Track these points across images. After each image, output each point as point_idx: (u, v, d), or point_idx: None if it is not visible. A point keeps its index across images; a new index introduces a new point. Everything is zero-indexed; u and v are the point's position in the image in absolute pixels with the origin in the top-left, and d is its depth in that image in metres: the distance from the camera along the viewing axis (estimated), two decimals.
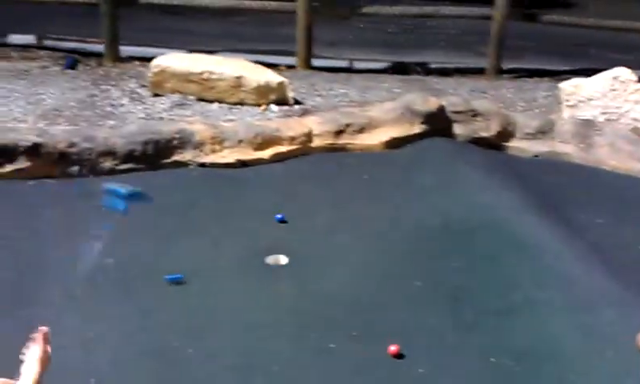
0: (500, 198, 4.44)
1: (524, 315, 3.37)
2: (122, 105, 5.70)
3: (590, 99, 5.58)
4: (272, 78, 6.00)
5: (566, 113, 5.69)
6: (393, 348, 3.11)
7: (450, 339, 3.24)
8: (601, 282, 3.65)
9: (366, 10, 7.57)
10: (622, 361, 3.06)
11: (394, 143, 5.23)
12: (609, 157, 5.21)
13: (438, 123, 5.30)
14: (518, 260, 3.75)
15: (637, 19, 7.71)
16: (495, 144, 5.37)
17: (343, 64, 7.47)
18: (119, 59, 6.87)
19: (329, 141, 5.22)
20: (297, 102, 5.99)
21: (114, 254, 3.68)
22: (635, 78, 5.61)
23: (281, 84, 5.95)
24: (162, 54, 6.25)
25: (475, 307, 3.45)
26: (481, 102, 5.82)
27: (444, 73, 7.28)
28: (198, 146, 4.83)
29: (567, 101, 5.70)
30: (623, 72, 5.60)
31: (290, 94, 6.00)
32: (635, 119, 5.51)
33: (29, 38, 7.37)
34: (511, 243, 3.92)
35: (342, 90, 6.46)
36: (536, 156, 5.33)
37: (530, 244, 3.90)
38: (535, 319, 3.36)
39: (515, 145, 5.40)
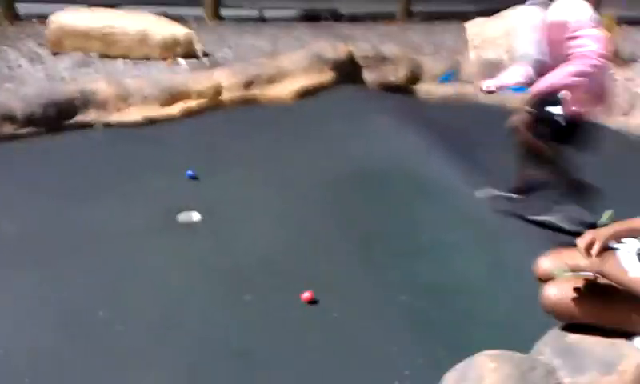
0: (409, 143, 4.52)
1: (433, 255, 3.48)
2: (20, 66, 5.43)
3: (495, 39, 5.70)
4: (178, 30, 5.84)
5: (472, 54, 5.80)
6: (306, 295, 3.15)
7: (362, 283, 3.30)
8: (505, 218, 3.80)
9: None
10: (525, 289, 3.20)
11: (305, 92, 5.22)
12: (513, 96, 5.35)
13: (347, 70, 5.31)
14: (426, 203, 3.85)
15: None
16: (404, 88, 5.43)
17: (253, 14, 7.34)
18: (16, 17, 6.53)
19: (239, 93, 5.16)
20: (205, 55, 5.86)
21: (16, 221, 3.55)
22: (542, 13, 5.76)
23: (187, 36, 5.81)
24: (61, 10, 5.97)
25: (386, 250, 3.52)
26: (389, 47, 5.85)
27: (354, 19, 7.27)
28: (102, 105, 4.68)
29: (472, 41, 5.80)
30: (531, 10, 5.72)
31: (198, 47, 5.87)
32: None
33: None
34: (420, 187, 4.02)
35: (252, 41, 6.36)
36: (443, 98, 5.43)
37: (439, 186, 4.00)
38: (444, 258, 3.47)
39: (424, 88, 5.48)
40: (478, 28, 5.80)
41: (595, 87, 3.35)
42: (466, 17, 7.04)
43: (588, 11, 3.24)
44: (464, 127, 4.97)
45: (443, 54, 6.12)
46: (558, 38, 3.26)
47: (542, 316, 2.52)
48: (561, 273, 2.52)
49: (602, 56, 3.17)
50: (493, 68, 5.56)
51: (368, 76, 5.39)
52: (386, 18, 7.29)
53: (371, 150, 4.43)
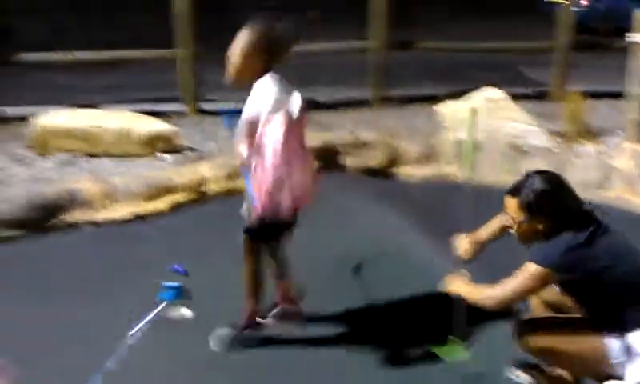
0: (390, 225, 4.62)
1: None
2: (4, 168, 5.49)
3: (465, 120, 5.89)
4: (160, 126, 5.98)
5: (446, 135, 5.99)
6: None
7: (345, 363, 3.33)
8: None
9: None
10: None
11: None
12: (489, 172, 5.52)
13: (326, 157, 5.45)
14: (405, 282, 3.92)
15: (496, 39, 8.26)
16: (383, 172, 5.58)
17: (232, 107, 7.52)
18: (0, 120, 6.64)
19: (223, 185, 5.25)
20: (190, 149, 5.98)
21: None
22: (505, 95, 6.00)
23: (169, 132, 5.94)
24: (44, 112, 6.09)
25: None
26: (366, 133, 6.04)
27: (331, 106, 7.49)
28: (88, 203, 4.74)
29: (445, 123, 6.01)
30: (493, 91, 5.98)
31: (183, 142, 6.00)
32: (510, 135, 5.87)
33: None
34: (403, 267, 4.10)
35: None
36: (424, 179, 5.57)
37: (419, 265, 4.09)
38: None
39: (402, 170, 5.64)
40: (448, 110, 6.02)
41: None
42: (436, 99, 7.31)
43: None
44: (442, 204, 5.09)
45: (417, 137, 6.28)
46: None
47: None
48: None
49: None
50: None
51: (347, 161, 5.54)
52: (360, 104, 7.51)
53: (351, 234, 4.53)
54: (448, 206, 5.05)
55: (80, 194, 4.77)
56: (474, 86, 6.40)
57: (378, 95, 7.55)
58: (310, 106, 7.53)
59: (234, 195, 5.18)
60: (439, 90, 7.83)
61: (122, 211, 4.80)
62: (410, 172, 5.62)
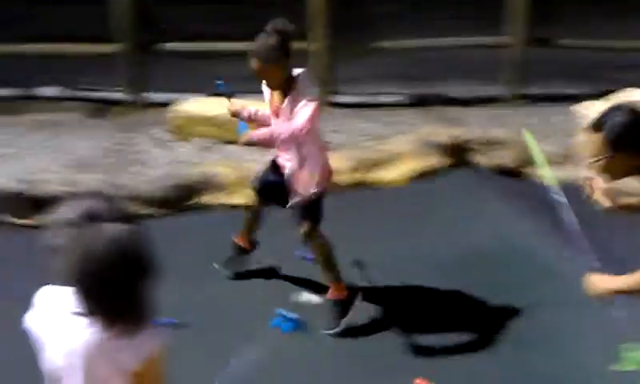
0: (522, 227, 4.47)
1: (554, 343, 3.38)
2: (148, 151, 5.84)
3: None
4: None
5: (583, 136, 5.71)
6: (418, 381, 3.15)
7: (476, 367, 3.26)
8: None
9: (384, 44, 7.68)
10: None
11: (416, 176, 5.30)
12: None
13: (457, 154, 5.35)
14: (541, 287, 3.76)
15: None
16: (516, 172, 5.40)
17: (364, 99, 7.57)
18: (145, 106, 7.05)
19: (350, 176, 5.30)
20: None
21: None
22: None
23: None
24: (187, 98, 6.41)
25: (506, 338, 3.47)
26: (500, 130, 5.87)
27: (464, 103, 7.34)
28: (222, 187, 4.94)
29: (583, 124, 5.73)
30: (635, 92, 5.63)
31: None
32: None
33: (57, 90, 7.57)
34: (535, 271, 3.95)
35: (363, 125, 6.54)
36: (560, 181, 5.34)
37: (553, 271, 3.92)
38: (565, 347, 3.37)
39: (535, 171, 5.42)
40: (587, 110, 5.73)
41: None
42: (575, 99, 6.97)
43: None
44: (576, 210, 4.86)
45: (553, 138, 6.04)
46: None
47: None
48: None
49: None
50: None
51: (479, 160, 5.41)
52: (495, 101, 7.31)
53: (481, 234, 4.42)
54: (581, 208, 4.84)
55: (216, 178, 4.98)
56: (616, 87, 6.06)
57: (512, 92, 7.31)
58: (441, 101, 7.48)
59: (359, 187, 5.24)
60: (578, 89, 7.47)
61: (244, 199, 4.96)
62: (544, 173, 5.38)
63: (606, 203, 2.90)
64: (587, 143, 2.65)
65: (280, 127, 3.54)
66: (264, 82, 3.60)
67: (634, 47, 7.94)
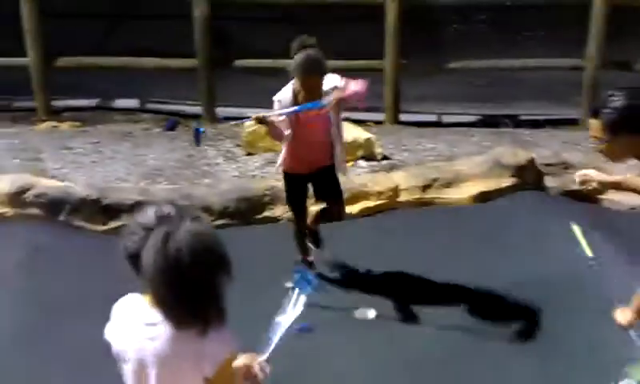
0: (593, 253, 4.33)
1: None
2: (218, 164, 5.97)
3: None
4: (359, 134, 6.14)
5: None
6: None
7: None
8: None
9: (453, 64, 7.63)
10: None
11: (483, 197, 5.22)
12: None
13: (528, 176, 5.26)
14: (606, 317, 3.63)
15: None
16: (589, 197, 5.24)
17: (431, 118, 7.53)
18: (216, 120, 7.21)
19: (416, 195, 5.28)
20: (385, 158, 6.08)
21: None
22: None
23: (368, 140, 6.08)
24: (256, 114, 6.51)
25: (570, 365, 3.37)
26: (573, 154, 5.73)
27: (535, 125, 7.21)
28: None
29: None
30: None
31: (378, 150, 6.10)
32: None
33: (132, 102, 7.85)
34: (599, 299, 3.80)
35: (430, 145, 6.51)
36: (632, 208, 5.16)
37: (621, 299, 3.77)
38: None
39: (610, 197, 5.25)
40: None
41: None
42: None
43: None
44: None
45: (632, 163, 5.85)
46: None
47: None
48: None
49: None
50: None
51: (550, 183, 5.29)
52: (569, 123, 7.15)
53: (550, 258, 4.32)
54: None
55: (281, 192, 5.03)
56: None
57: (587, 115, 7.13)
58: (513, 123, 7.34)
59: (425, 206, 5.21)
60: None
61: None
62: (618, 198, 5.21)
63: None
64: (590, 128, 2.71)
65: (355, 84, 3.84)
66: (308, 94, 3.86)
67: None
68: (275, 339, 2.02)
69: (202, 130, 4.43)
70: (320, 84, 3.84)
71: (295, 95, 3.93)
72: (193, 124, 3.35)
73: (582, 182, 3.16)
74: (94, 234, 4.83)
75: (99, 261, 4.35)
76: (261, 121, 4.02)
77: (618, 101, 2.60)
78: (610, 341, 3.48)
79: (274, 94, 4.05)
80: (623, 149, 2.68)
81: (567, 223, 4.75)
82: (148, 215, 1.68)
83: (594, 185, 3.12)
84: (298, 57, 3.82)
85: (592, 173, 3.15)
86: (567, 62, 7.48)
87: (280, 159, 4.19)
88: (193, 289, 1.62)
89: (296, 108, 3.90)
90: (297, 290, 2.14)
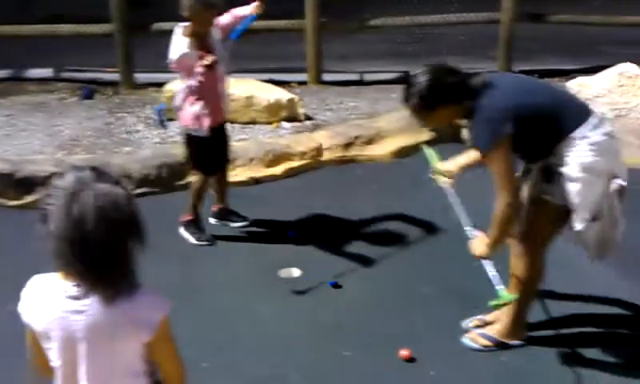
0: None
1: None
2: (138, 131, 5.85)
3: (598, 96, 5.60)
4: (282, 95, 6.11)
5: None
6: (404, 352, 3.18)
7: (460, 342, 3.29)
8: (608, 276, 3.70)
9: (373, 22, 7.66)
10: None
11: (403, 152, 5.31)
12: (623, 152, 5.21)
13: (445, 130, 5.35)
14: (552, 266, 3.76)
15: None
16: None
17: (354, 77, 7.56)
18: (134, 86, 7.05)
19: (339, 154, 5.32)
20: (308, 118, 6.09)
21: None
22: None
23: (291, 101, 6.06)
24: (176, 78, 6.38)
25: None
26: None
27: None
28: None
29: None
30: (629, 67, 5.62)
31: (301, 111, 6.11)
32: None
33: (46, 71, 7.56)
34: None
35: (352, 103, 6.55)
36: None
37: (566, 251, 3.92)
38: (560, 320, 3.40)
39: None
40: (579, 86, 5.73)
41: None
42: (568, 74, 6.96)
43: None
44: None
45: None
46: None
47: None
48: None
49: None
50: None
51: (468, 135, 5.42)
52: None
53: (467, 206, 4.43)
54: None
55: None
56: (609, 63, 6.05)
57: (504, 68, 7.30)
58: None
59: (347, 163, 5.26)
60: (571, 65, 7.47)
61: (241, 175, 4.98)
62: None
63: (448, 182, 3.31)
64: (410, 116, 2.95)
65: None
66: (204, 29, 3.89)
67: (629, 22, 7.92)
68: None
69: (160, 107, 4.24)
70: (214, 20, 3.89)
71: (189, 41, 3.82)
72: (154, 107, 3.15)
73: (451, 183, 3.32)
74: (8, 210, 4.67)
75: (14, 237, 4.23)
76: (210, 66, 3.84)
77: (420, 84, 2.80)
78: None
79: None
80: (444, 117, 2.92)
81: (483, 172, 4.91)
82: (66, 179, 1.62)
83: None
84: None
85: (451, 167, 3.29)
86: (484, 15, 7.61)
87: (197, 120, 3.95)
88: (97, 251, 1.58)
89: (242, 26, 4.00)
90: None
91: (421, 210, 4.48)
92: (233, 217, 4.38)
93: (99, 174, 1.62)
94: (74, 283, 1.62)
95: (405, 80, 2.92)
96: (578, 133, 2.75)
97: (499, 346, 3.20)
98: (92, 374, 1.69)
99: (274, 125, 5.92)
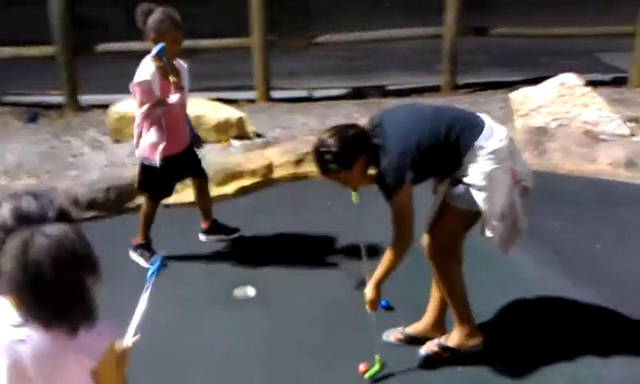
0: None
1: (483, 319, 3.46)
2: (84, 154, 5.74)
3: (540, 107, 5.75)
4: (231, 114, 6.09)
5: (519, 122, 5.86)
6: (362, 367, 3.18)
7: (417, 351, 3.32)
8: (560, 282, 3.79)
9: (321, 38, 7.72)
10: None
11: None
12: (562, 161, 5.37)
13: None
14: (481, 270, 3.82)
15: (581, 24, 7.98)
16: None
17: (302, 94, 7.60)
18: (80, 108, 6.93)
19: (290, 170, 5.32)
20: (258, 136, 6.08)
21: None
22: (581, 82, 5.80)
23: (240, 119, 6.04)
24: (122, 99, 6.30)
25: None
26: None
27: (401, 93, 7.44)
28: None
29: (518, 110, 5.87)
30: (569, 78, 5.79)
31: (251, 128, 6.09)
32: (585, 122, 5.69)
33: None
34: (476, 254, 4.01)
35: (302, 120, 6.58)
36: None
37: (492, 254, 3.99)
38: (494, 324, 3.47)
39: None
40: (522, 97, 5.87)
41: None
42: (510, 85, 7.14)
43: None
44: None
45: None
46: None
47: None
48: None
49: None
50: (540, 134, 5.61)
51: None
52: (432, 90, 7.43)
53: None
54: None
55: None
56: (550, 73, 6.22)
57: (449, 82, 7.45)
58: (380, 93, 7.53)
59: (299, 179, 5.26)
60: (514, 76, 7.66)
61: (191, 195, 4.91)
62: None
63: None
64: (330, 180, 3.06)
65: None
66: (175, 48, 3.90)
67: (568, 34, 8.16)
68: (136, 315, 1.99)
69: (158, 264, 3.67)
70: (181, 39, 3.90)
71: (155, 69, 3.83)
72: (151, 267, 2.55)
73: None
74: None
75: None
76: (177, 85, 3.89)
77: (331, 147, 2.92)
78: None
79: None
80: (361, 170, 3.01)
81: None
82: (3, 214, 1.57)
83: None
84: (158, 14, 3.80)
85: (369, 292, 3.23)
86: (428, 31, 7.75)
87: (152, 149, 3.93)
88: (56, 294, 1.55)
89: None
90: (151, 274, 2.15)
91: (374, 225, 4.50)
92: (223, 229, 4.40)
93: (45, 205, 1.58)
94: (19, 312, 1.59)
95: (315, 152, 3.01)
96: (475, 145, 2.92)
97: (456, 353, 3.23)
98: None
99: (224, 144, 5.89)
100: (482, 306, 3.45)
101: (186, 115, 4.16)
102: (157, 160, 3.92)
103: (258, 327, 3.60)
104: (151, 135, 3.92)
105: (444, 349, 3.25)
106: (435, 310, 3.36)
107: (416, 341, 3.35)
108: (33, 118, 6.68)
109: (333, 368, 3.24)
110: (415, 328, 3.40)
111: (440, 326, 3.35)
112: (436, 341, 3.29)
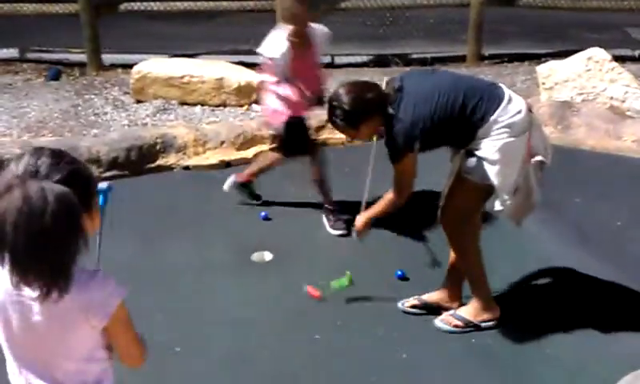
0: None
1: (499, 292, 3.45)
2: (106, 113, 5.76)
3: (566, 81, 5.66)
4: (253, 77, 6.05)
5: (544, 95, 5.77)
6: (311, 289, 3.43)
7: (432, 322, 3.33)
8: (578, 258, 3.76)
9: (344, 4, 7.63)
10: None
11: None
12: (586, 136, 5.29)
13: None
14: (499, 244, 3.80)
15: None
16: None
17: (325, 59, 7.52)
18: (102, 67, 6.93)
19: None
20: None
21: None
22: (609, 57, 5.68)
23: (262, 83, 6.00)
24: (144, 59, 6.30)
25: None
26: None
27: (424, 62, 7.35)
28: (181, 149, 4.92)
29: (544, 84, 5.78)
30: (597, 52, 5.68)
31: None
32: (611, 98, 5.59)
33: (11, 52, 7.40)
34: (493, 228, 3.99)
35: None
36: None
37: (509, 228, 3.97)
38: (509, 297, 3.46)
39: None
40: (549, 70, 5.78)
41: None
42: (537, 58, 7.03)
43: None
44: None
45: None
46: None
47: None
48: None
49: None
50: (565, 109, 5.53)
51: None
52: (456, 60, 7.34)
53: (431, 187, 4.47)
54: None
55: (174, 140, 4.94)
56: (578, 47, 6.11)
57: (474, 52, 7.34)
58: (403, 61, 7.42)
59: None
60: (540, 49, 7.53)
61: (212, 158, 4.94)
62: None
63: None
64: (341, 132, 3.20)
65: None
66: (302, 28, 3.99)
67: (598, 7, 7.99)
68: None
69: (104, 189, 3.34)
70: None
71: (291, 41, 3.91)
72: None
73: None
74: None
75: None
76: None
77: (343, 104, 2.98)
78: None
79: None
80: (368, 130, 3.10)
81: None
82: (12, 169, 1.57)
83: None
84: None
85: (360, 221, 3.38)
86: None
87: (276, 115, 4.11)
88: (52, 248, 1.51)
89: None
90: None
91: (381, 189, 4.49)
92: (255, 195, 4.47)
93: (46, 162, 1.58)
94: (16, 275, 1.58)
95: (328, 102, 3.09)
96: (491, 119, 2.89)
97: (471, 326, 3.23)
98: (46, 359, 1.67)
99: (245, 107, 5.88)
100: (498, 279, 3.45)
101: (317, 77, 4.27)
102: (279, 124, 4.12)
103: (273, 291, 3.62)
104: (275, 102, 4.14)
105: (459, 319, 3.25)
106: (452, 280, 3.35)
107: (432, 311, 3.36)
108: (55, 76, 6.70)
109: (347, 332, 3.26)
110: (431, 296, 3.40)
111: (457, 297, 3.35)
112: (451, 311, 3.30)
